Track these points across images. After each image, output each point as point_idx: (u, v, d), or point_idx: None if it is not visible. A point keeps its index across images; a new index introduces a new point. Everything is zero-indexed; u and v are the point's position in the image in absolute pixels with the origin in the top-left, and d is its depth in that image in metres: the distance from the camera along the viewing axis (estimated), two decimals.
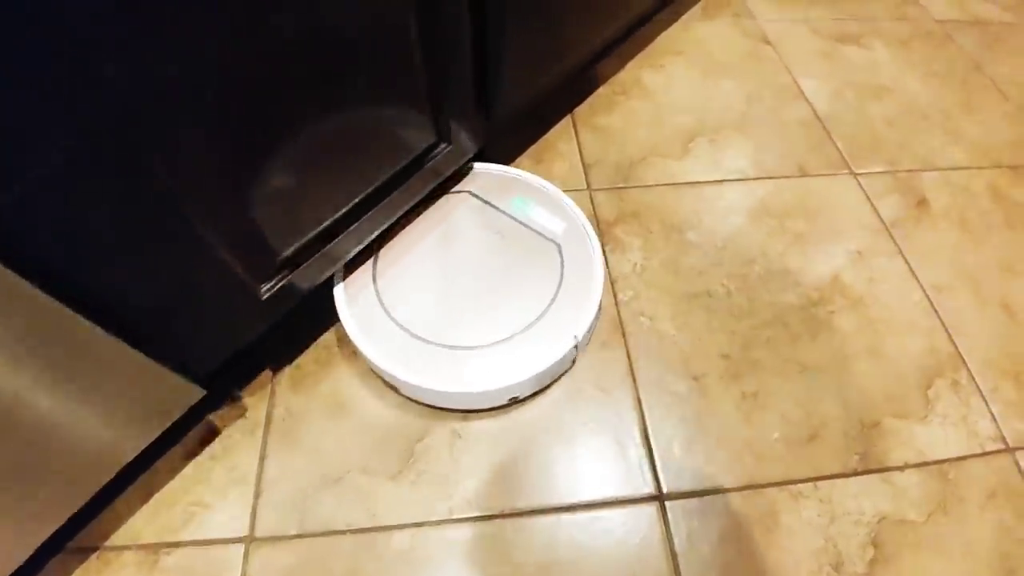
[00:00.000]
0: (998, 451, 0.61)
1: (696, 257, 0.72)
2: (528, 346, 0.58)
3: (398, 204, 0.59)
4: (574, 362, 0.64)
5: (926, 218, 0.79)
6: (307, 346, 0.64)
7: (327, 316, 0.62)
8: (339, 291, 0.61)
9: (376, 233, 0.59)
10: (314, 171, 0.47)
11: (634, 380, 0.63)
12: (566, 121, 0.88)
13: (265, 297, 0.49)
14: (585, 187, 0.79)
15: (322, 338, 0.65)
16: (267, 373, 0.62)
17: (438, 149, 0.60)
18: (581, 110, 0.89)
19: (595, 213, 0.76)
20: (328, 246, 0.53)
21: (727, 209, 0.77)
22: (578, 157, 0.82)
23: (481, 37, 0.55)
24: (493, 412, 0.61)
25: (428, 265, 0.64)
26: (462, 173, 0.71)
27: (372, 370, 0.62)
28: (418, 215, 0.68)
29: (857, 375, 0.64)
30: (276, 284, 0.50)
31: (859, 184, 0.82)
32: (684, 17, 1.06)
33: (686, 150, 0.84)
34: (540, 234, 0.67)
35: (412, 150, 0.57)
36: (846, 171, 0.83)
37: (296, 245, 0.50)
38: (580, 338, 0.59)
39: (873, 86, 0.97)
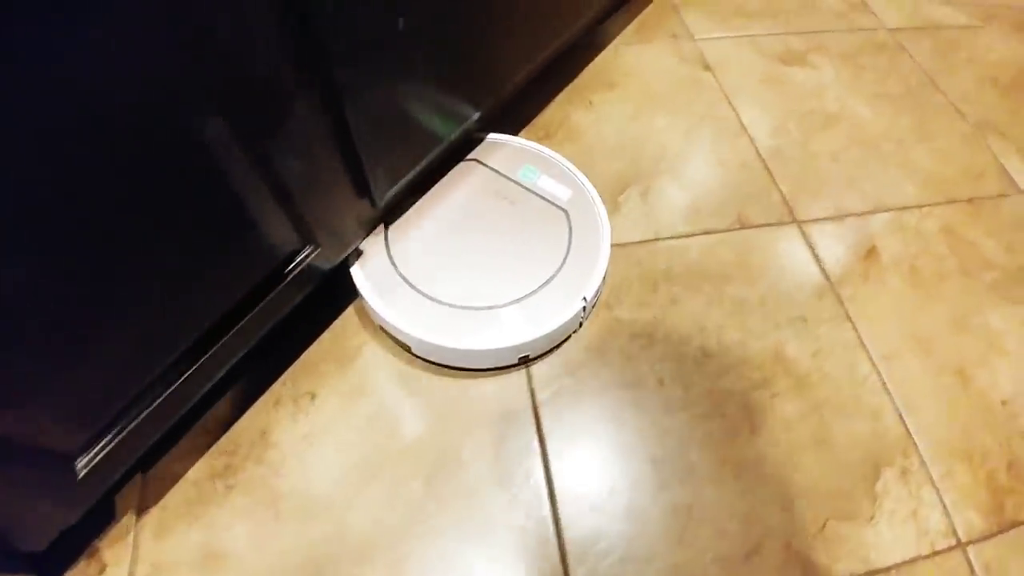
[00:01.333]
0: (949, 548, 0.56)
1: (625, 339, 0.66)
2: (539, 307, 0.61)
3: (255, 329, 0.51)
4: (581, 324, 0.66)
5: (875, 271, 0.73)
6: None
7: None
8: (355, 267, 0.63)
9: (226, 368, 0.51)
10: (132, 309, 0.39)
11: (552, 498, 0.56)
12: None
13: (83, 475, 0.41)
14: None
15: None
16: (128, 519, 0.54)
17: (304, 254, 0.52)
18: None
19: None
20: (162, 396, 0.45)
21: (660, 275, 0.71)
22: None
23: (343, 125, 0.47)
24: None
25: (440, 230, 0.67)
26: (473, 142, 0.74)
27: (385, 330, 0.64)
28: (429, 185, 0.70)
29: (801, 471, 0.59)
30: (94, 457, 0.42)
31: (803, 235, 0.76)
32: (616, 41, 0.97)
33: (616, 204, 0.77)
34: (549, 201, 0.70)
35: (267, 263, 0.49)
36: (789, 220, 0.77)
37: (117, 406, 0.42)
38: (589, 299, 0.63)
39: (819, 115, 0.90)
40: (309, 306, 0.60)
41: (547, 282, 0.63)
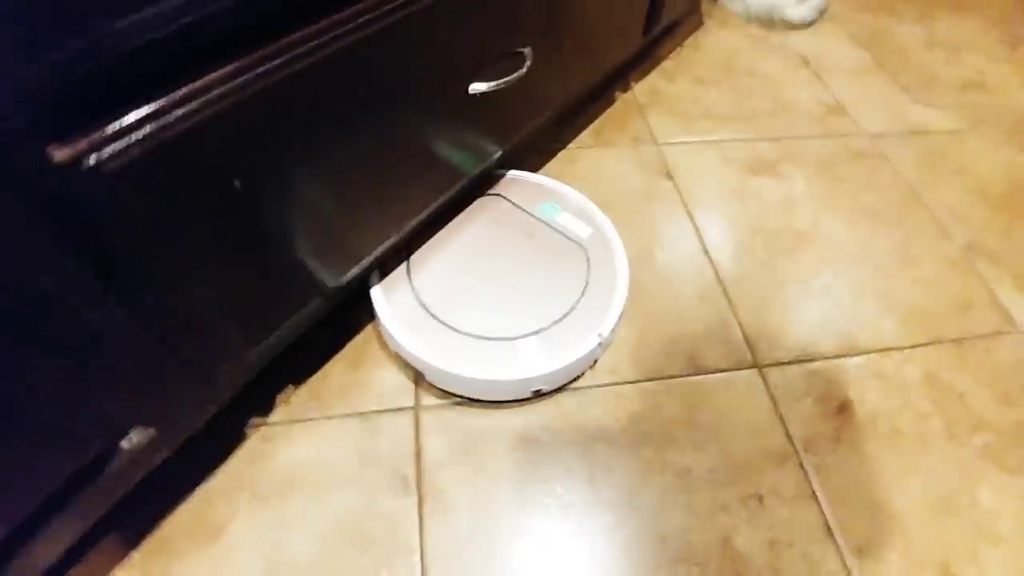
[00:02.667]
0: None
1: None
2: (555, 341, 0.62)
3: (64, 536, 0.42)
4: (596, 361, 0.67)
5: (848, 433, 0.63)
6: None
7: None
8: (376, 290, 0.65)
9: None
10: None
11: None
12: None
13: None
14: (412, 405, 0.63)
15: None
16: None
17: (128, 439, 0.44)
18: None
19: (418, 443, 0.60)
20: None
21: (592, 433, 0.61)
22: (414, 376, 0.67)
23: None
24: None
25: (461, 261, 0.68)
26: (495, 177, 0.77)
27: (400, 355, 0.64)
28: (451, 216, 0.73)
29: None
30: None
31: (765, 383, 0.67)
32: (572, 144, 0.92)
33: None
34: (568, 237, 0.72)
35: (77, 456, 0.41)
36: (750, 363, 0.68)
37: None
38: (605, 336, 0.63)
39: (789, 234, 0.83)
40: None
41: (564, 317, 0.64)
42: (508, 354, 0.61)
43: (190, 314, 0.42)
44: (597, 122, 0.96)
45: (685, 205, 0.85)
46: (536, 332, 0.63)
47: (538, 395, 0.63)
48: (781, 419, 0.64)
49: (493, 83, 0.54)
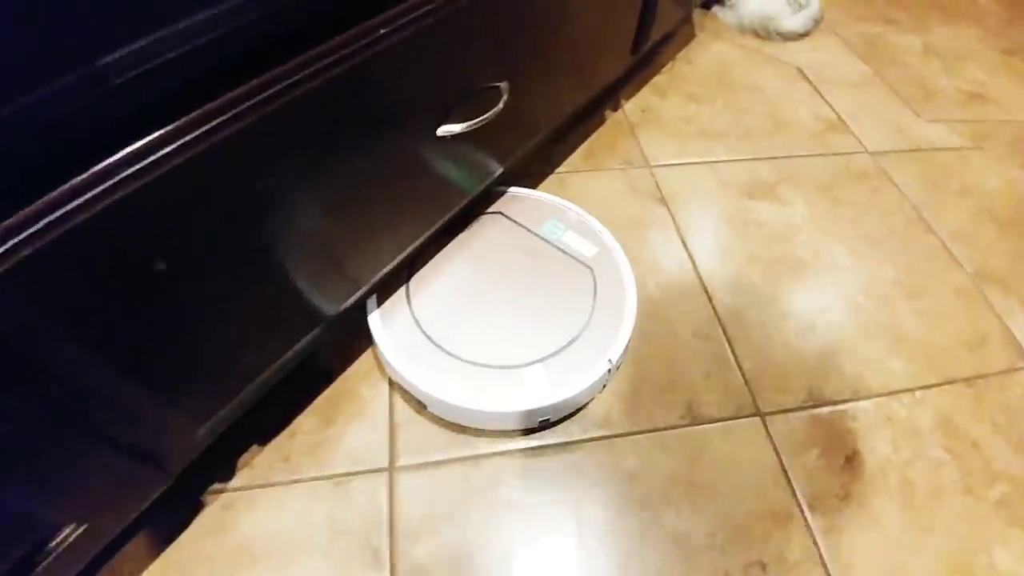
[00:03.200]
0: None
1: None
2: (562, 368, 0.59)
3: None
4: (604, 386, 0.64)
5: (857, 488, 0.59)
6: None
7: None
8: (374, 316, 0.62)
9: None
10: None
11: None
12: (366, 360, 0.67)
13: None
14: (387, 466, 0.58)
15: None
16: None
17: (59, 538, 0.39)
18: None
19: (391, 510, 0.55)
20: None
21: (584, 494, 0.57)
22: (386, 416, 0.62)
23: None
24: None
25: (463, 285, 0.66)
26: (494, 196, 0.75)
27: (400, 384, 0.62)
28: (452, 236, 0.70)
29: None
30: None
31: (768, 433, 0.62)
32: (561, 168, 0.88)
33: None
34: (573, 257, 0.69)
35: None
36: (751, 411, 0.64)
37: None
38: (615, 362, 0.61)
39: (789, 263, 0.78)
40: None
41: (571, 342, 0.61)
42: (514, 383, 0.58)
43: (124, 400, 0.37)
44: (587, 143, 0.92)
45: (680, 234, 0.80)
46: (542, 359, 0.60)
47: (545, 425, 0.61)
48: (785, 473, 0.59)
49: (464, 124, 0.50)
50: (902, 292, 0.77)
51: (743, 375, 0.67)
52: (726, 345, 0.69)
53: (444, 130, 0.49)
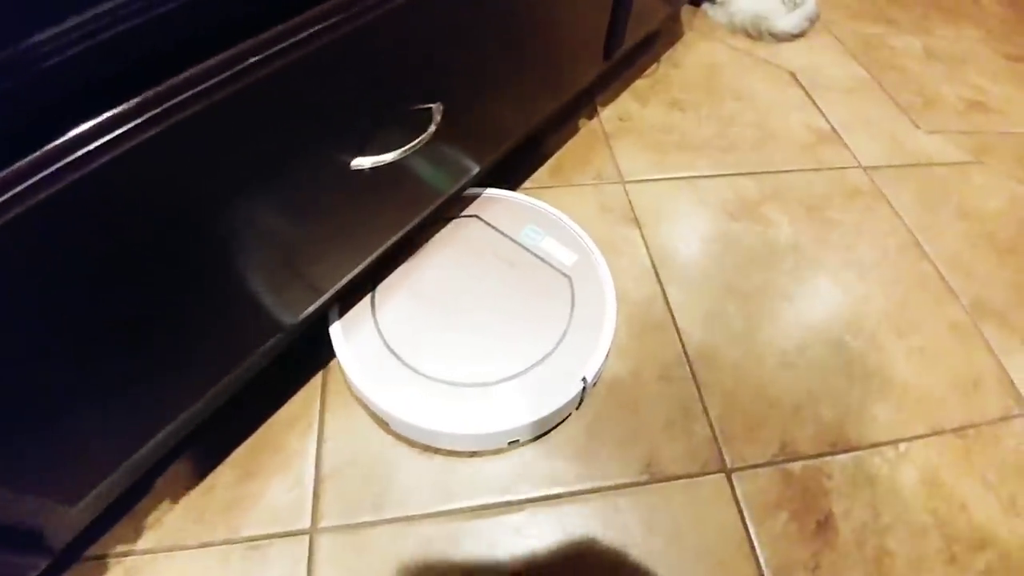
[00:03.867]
0: None
1: None
2: (534, 386, 0.57)
3: None
4: (580, 404, 0.61)
5: (829, 560, 0.54)
6: None
7: None
8: (336, 327, 0.59)
9: None
10: None
11: None
12: (296, 404, 0.61)
13: None
14: (308, 527, 0.53)
15: None
16: None
17: None
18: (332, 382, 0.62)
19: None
20: None
21: (524, 566, 0.51)
22: (312, 470, 0.56)
23: None
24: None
25: (432, 295, 0.62)
26: (469, 197, 0.71)
27: (363, 401, 0.58)
28: (423, 240, 0.66)
29: None
30: None
31: (734, 493, 0.57)
32: (527, 183, 0.81)
33: (498, 448, 0.58)
34: (551, 266, 0.66)
35: None
36: (717, 467, 0.58)
37: None
38: (589, 380, 0.58)
39: (770, 293, 0.72)
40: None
41: (544, 358, 0.58)
42: (483, 402, 0.55)
43: None
44: (556, 156, 0.85)
45: (651, 259, 0.74)
46: (514, 376, 0.57)
47: (515, 445, 0.58)
48: (751, 541, 0.54)
49: (383, 155, 0.43)
50: (891, 328, 0.71)
51: (710, 424, 0.61)
52: (694, 389, 0.63)
53: (359, 163, 0.42)
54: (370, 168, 0.43)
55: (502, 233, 0.68)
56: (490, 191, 0.72)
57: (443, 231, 0.67)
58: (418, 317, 0.60)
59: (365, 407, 0.59)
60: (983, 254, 0.81)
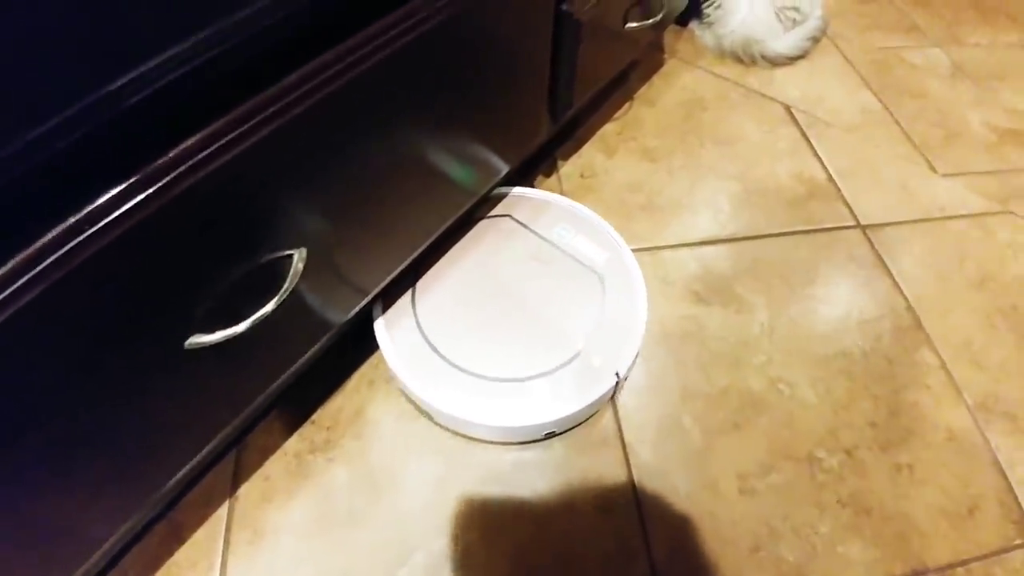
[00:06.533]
0: None
1: None
2: (568, 381, 0.60)
3: None
4: (613, 398, 0.65)
5: None
6: None
7: None
8: (379, 324, 0.63)
9: None
10: None
11: None
12: (221, 516, 0.57)
13: None
14: None
15: None
16: None
17: None
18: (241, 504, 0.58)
19: None
20: None
21: None
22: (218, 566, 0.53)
23: None
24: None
25: (468, 292, 0.66)
26: (499, 196, 0.75)
27: (406, 394, 0.63)
28: (457, 239, 0.70)
29: None
30: None
31: None
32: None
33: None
34: (582, 264, 0.69)
35: None
36: None
37: None
38: (622, 375, 0.62)
39: (736, 399, 0.65)
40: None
41: (578, 354, 0.62)
42: (519, 397, 0.60)
43: None
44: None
45: None
46: (549, 372, 0.61)
47: (551, 436, 0.62)
48: None
49: (227, 331, 0.38)
50: (876, 441, 0.63)
51: (652, 567, 0.55)
52: (638, 523, 0.58)
53: (194, 342, 0.38)
54: (219, 343, 0.39)
55: (534, 232, 0.71)
56: (518, 190, 0.76)
57: (476, 229, 0.71)
58: (455, 314, 0.64)
59: (408, 399, 0.64)
60: (999, 336, 0.72)
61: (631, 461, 0.61)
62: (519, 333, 0.64)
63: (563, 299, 0.66)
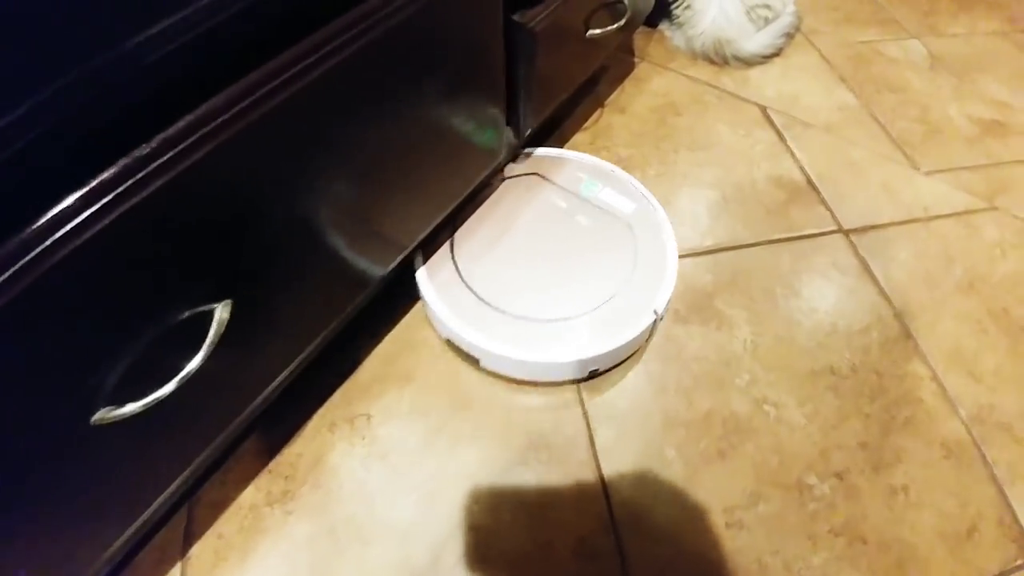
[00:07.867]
0: None
1: None
2: (608, 320, 0.63)
3: None
4: (650, 337, 0.68)
5: None
6: None
7: None
8: (421, 273, 0.66)
9: None
10: None
11: None
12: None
13: None
14: None
15: None
16: None
17: None
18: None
19: None
20: None
21: None
22: None
23: None
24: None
25: (505, 243, 0.69)
26: (524, 156, 0.78)
27: (451, 341, 0.65)
28: (487, 196, 0.73)
29: None
30: None
31: None
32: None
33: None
34: (612, 214, 0.72)
35: None
36: None
37: None
38: (660, 312, 0.64)
39: (720, 424, 0.62)
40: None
41: (615, 295, 0.65)
42: (563, 335, 0.62)
43: None
44: None
45: (578, 391, 0.65)
46: (589, 312, 0.64)
47: (594, 375, 0.65)
48: None
49: (144, 401, 0.35)
50: (869, 463, 0.61)
51: None
52: (618, 565, 0.55)
53: (102, 416, 0.34)
54: (128, 417, 0.35)
55: (562, 187, 0.74)
56: (542, 150, 0.79)
57: (504, 186, 0.74)
58: (494, 263, 0.67)
59: (452, 346, 0.66)
60: (991, 342, 0.69)
61: (611, 499, 0.58)
62: (557, 278, 0.67)
63: (596, 246, 0.69)
